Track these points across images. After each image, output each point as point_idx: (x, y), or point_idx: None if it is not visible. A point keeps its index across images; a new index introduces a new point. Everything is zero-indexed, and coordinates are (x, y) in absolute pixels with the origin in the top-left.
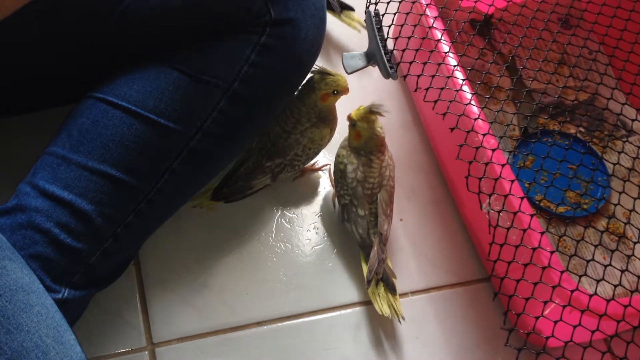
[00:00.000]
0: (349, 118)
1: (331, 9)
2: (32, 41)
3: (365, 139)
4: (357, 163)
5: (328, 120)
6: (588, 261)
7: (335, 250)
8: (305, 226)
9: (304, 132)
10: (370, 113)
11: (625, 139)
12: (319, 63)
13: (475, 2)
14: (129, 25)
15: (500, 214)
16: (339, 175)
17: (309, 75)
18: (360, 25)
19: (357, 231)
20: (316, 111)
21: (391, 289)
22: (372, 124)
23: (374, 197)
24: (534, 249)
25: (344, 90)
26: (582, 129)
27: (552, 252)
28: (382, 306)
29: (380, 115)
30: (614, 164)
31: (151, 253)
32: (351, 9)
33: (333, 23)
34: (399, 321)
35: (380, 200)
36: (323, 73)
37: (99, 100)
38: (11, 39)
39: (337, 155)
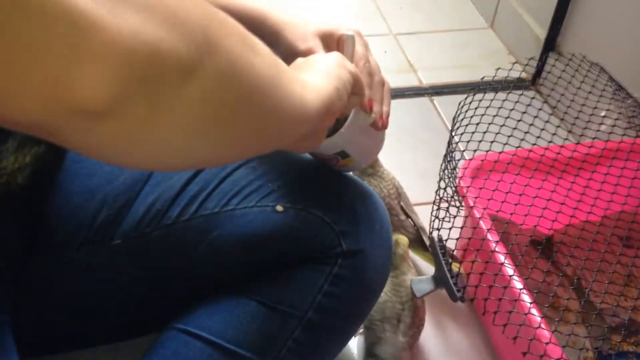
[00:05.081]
0: None
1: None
2: (122, 279)
3: None
4: None
5: None
6: None
7: None
8: None
9: None
10: None
11: None
12: None
13: (535, 226)
14: (212, 258)
15: None
16: None
17: None
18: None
19: None
20: None
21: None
22: None
23: None
24: None
25: None
26: None
27: None
28: None
29: None
30: None
31: None
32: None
33: None
34: None
35: None
36: None
37: (181, 332)
38: (101, 279)
39: None
